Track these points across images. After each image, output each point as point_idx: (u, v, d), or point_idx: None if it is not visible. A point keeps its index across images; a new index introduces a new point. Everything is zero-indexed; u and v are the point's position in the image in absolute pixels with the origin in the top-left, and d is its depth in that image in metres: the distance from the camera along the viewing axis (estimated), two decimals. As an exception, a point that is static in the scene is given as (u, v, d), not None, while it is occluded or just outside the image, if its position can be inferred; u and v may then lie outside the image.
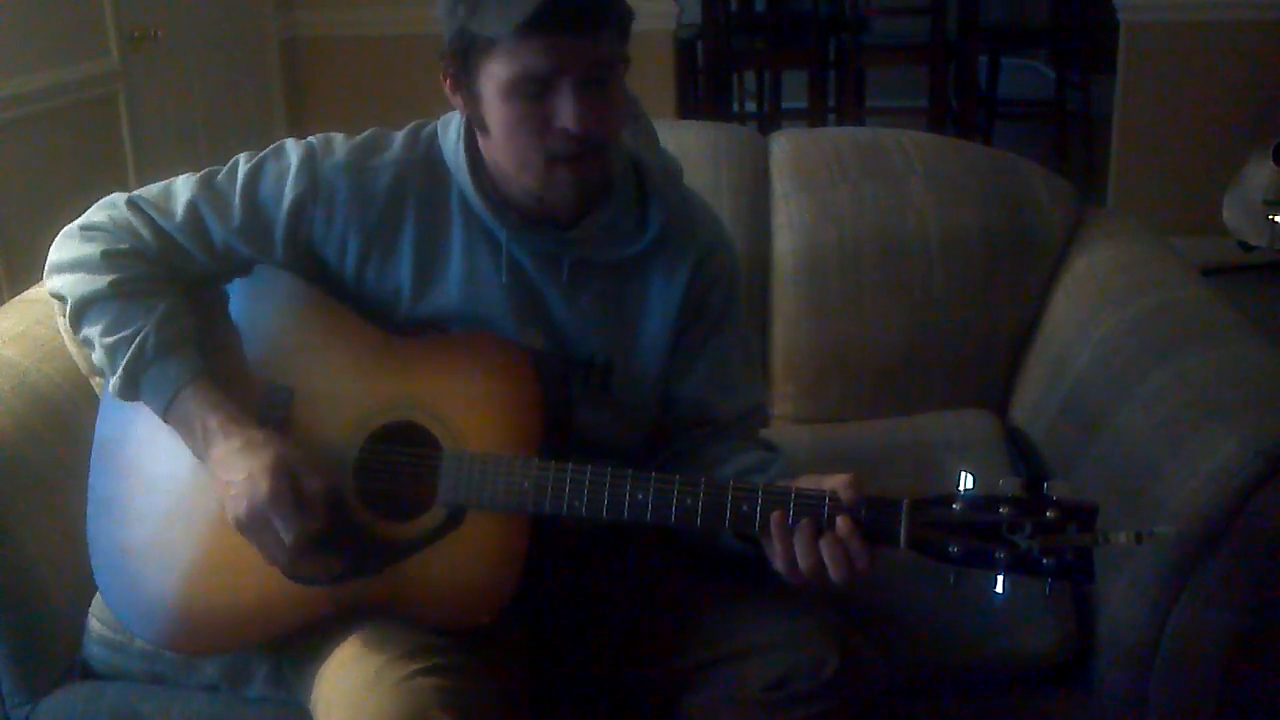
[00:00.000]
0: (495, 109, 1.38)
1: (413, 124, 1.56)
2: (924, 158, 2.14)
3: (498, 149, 1.42)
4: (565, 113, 1.35)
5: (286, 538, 1.36)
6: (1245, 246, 4.20)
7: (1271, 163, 4.00)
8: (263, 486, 1.35)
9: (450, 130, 1.51)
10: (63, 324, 1.75)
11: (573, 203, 1.45)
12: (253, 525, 1.37)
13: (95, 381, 1.78)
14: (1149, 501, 1.55)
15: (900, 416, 2.10)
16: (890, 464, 1.96)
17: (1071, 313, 2.01)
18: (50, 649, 1.66)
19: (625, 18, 1.38)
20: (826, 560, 1.30)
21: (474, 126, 1.44)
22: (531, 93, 1.35)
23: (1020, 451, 1.96)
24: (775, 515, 1.31)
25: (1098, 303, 1.96)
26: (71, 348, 1.79)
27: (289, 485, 1.36)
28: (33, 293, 1.95)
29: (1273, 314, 3.70)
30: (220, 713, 1.62)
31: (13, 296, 2.00)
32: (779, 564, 1.33)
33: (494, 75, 1.36)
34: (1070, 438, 1.84)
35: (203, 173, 1.54)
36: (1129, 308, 1.88)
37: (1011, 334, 2.10)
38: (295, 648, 1.49)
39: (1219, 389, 1.62)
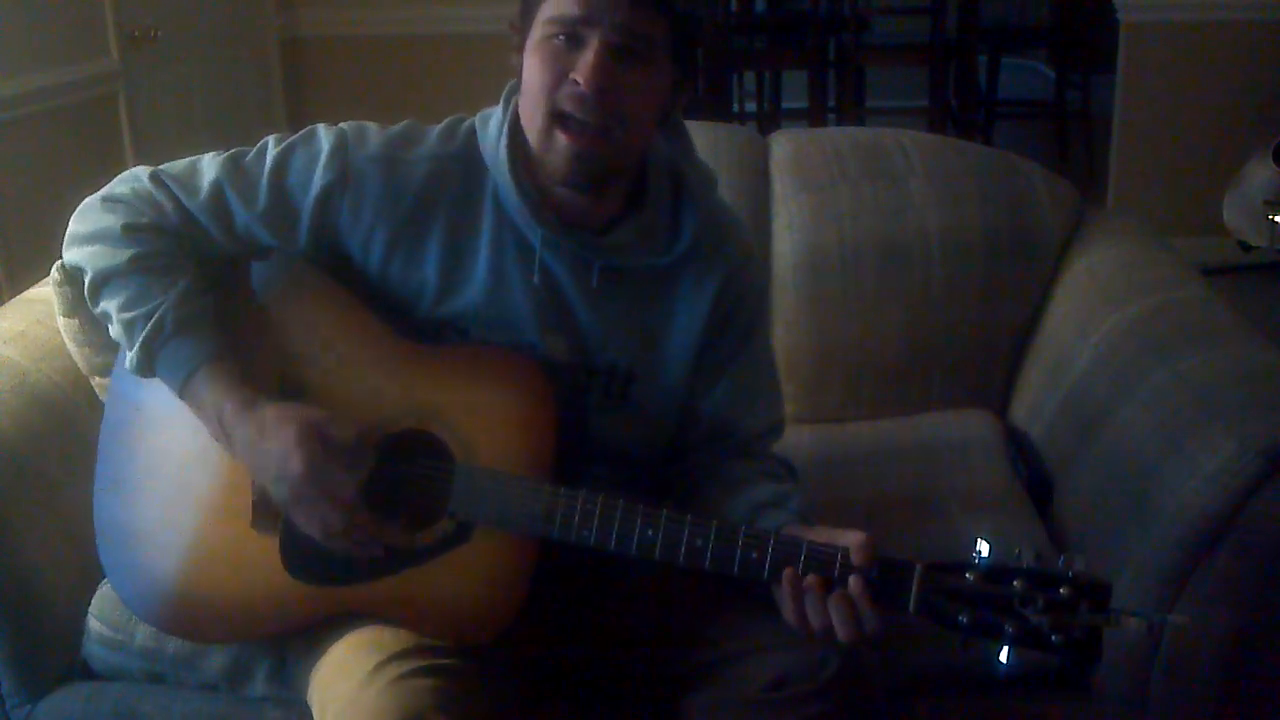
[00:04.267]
0: (530, 53, 1.40)
1: (450, 118, 1.54)
2: (924, 158, 2.14)
3: (523, 97, 1.42)
4: (582, 66, 1.36)
5: (343, 494, 1.35)
6: (1245, 246, 4.20)
7: (1271, 163, 4.00)
8: (298, 460, 1.34)
9: (490, 126, 1.49)
10: (63, 323, 1.75)
11: (567, 175, 1.41)
12: (304, 502, 1.36)
13: (95, 381, 1.77)
14: (1149, 501, 1.55)
15: (900, 416, 2.10)
16: (890, 464, 1.96)
17: (1071, 313, 2.01)
18: (50, 649, 1.66)
19: (682, 24, 1.40)
20: (835, 620, 1.29)
21: (519, 79, 1.44)
22: (561, 39, 1.37)
23: (1020, 451, 1.96)
24: (786, 571, 1.30)
25: (1097, 303, 1.96)
26: (71, 347, 1.78)
27: (322, 449, 1.35)
28: (33, 293, 1.94)
29: (1273, 314, 3.70)
30: (220, 713, 1.62)
31: (13, 296, 2.00)
32: (787, 615, 1.32)
33: (541, 20, 1.39)
34: (1070, 438, 1.84)
35: (231, 152, 1.51)
36: (1129, 308, 1.88)
37: (1011, 334, 2.10)
38: (298, 643, 1.48)
39: (1219, 389, 1.62)
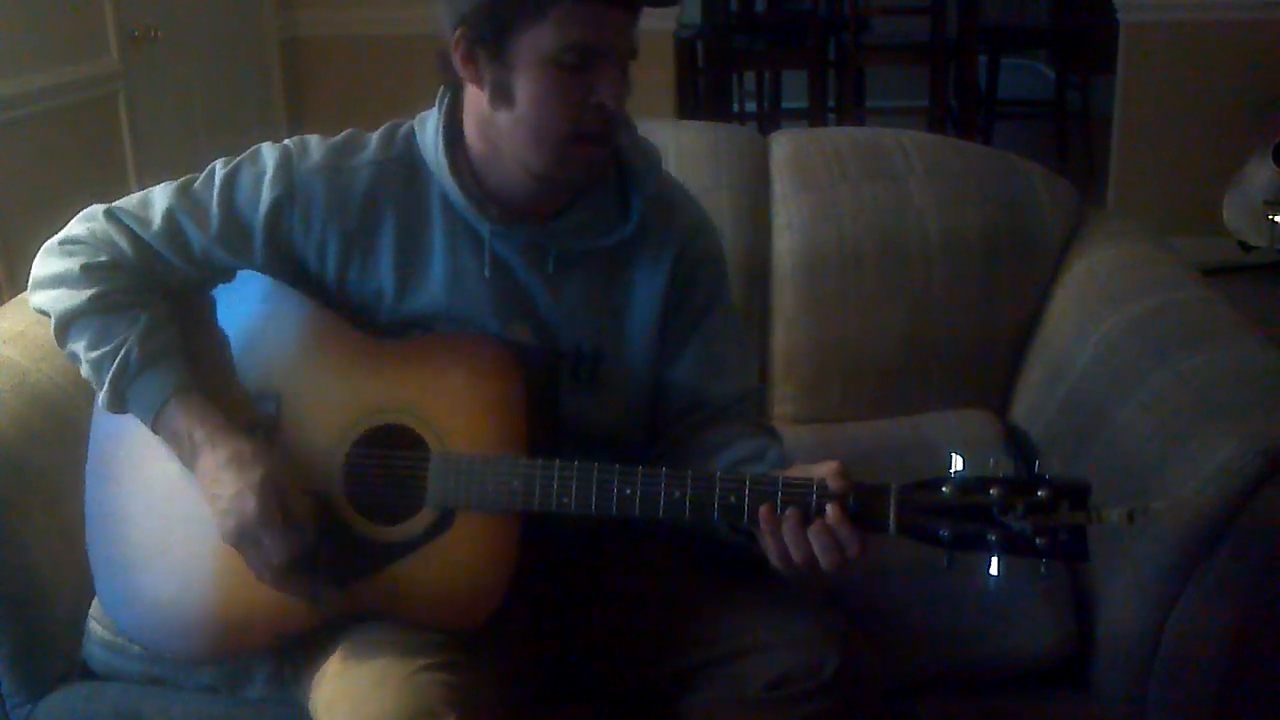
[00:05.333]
0: (530, 78, 1.37)
1: (388, 124, 1.55)
2: (924, 158, 2.14)
3: (519, 122, 1.40)
4: (607, 90, 1.36)
5: (274, 557, 1.36)
6: (1245, 246, 4.21)
7: (1271, 163, 4.00)
8: (251, 504, 1.36)
9: (428, 127, 1.50)
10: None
11: (581, 183, 1.45)
12: (241, 541, 1.37)
13: (95, 381, 1.78)
14: (1149, 502, 1.55)
15: (900, 416, 2.10)
16: (890, 464, 1.95)
17: (1071, 313, 2.01)
18: (50, 649, 1.66)
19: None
20: (816, 550, 1.29)
21: (490, 98, 1.41)
22: (573, 64, 1.35)
23: (1020, 451, 1.96)
24: (763, 509, 1.31)
25: (1098, 303, 1.96)
26: (71, 348, 1.79)
27: (277, 504, 1.36)
28: (33, 293, 1.95)
29: (1273, 314, 3.70)
30: (220, 714, 1.62)
31: (13, 296, 2.00)
32: (771, 557, 1.33)
33: (538, 42, 1.35)
34: (1070, 438, 1.84)
35: (180, 180, 1.53)
36: (1129, 308, 1.88)
37: (1011, 334, 2.10)
38: (294, 650, 1.48)
39: (1219, 389, 1.62)
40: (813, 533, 1.30)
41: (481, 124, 1.45)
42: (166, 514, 1.49)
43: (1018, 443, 1.99)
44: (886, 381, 2.11)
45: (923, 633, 1.62)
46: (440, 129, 1.48)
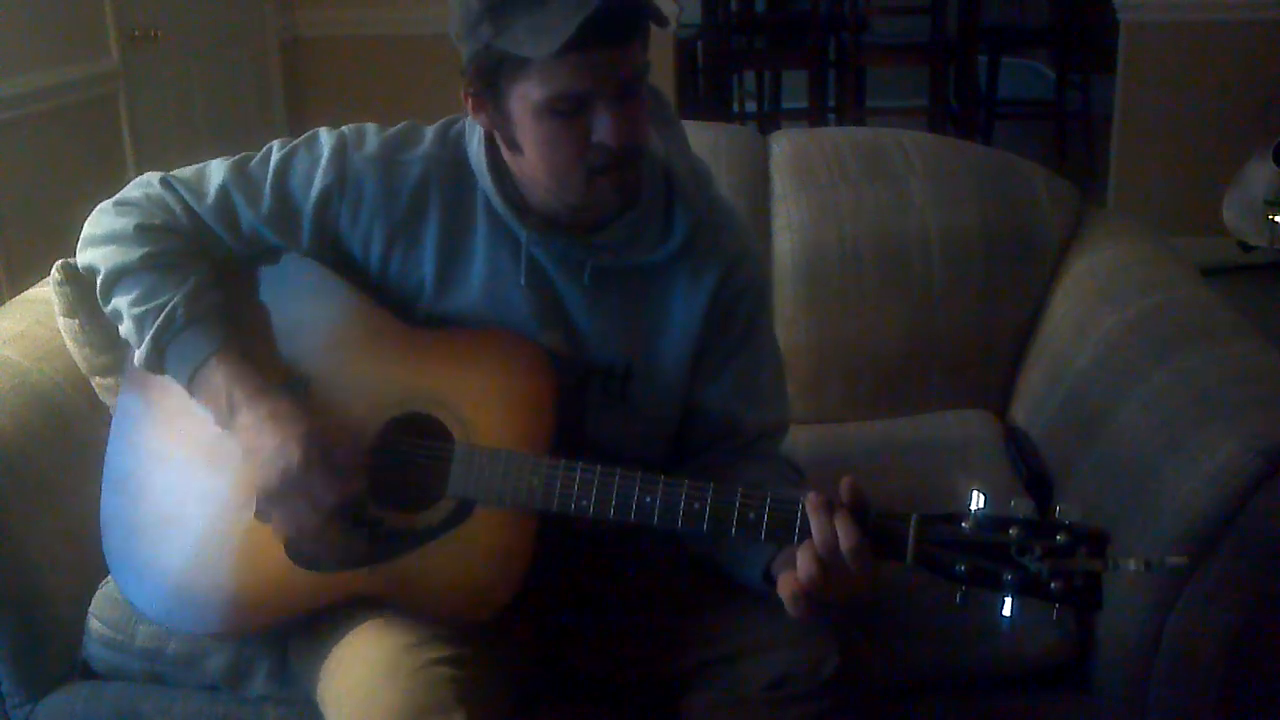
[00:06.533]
0: (528, 128, 1.37)
1: (445, 119, 1.56)
2: (924, 158, 2.15)
3: (532, 166, 1.41)
4: (604, 129, 1.35)
5: (324, 501, 1.37)
6: (1245, 246, 4.20)
7: (1271, 163, 4.00)
8: (295, 453, 1.37)
9: (475, 133, 1.50)
10: (63, 323, 1.75)
11: (614, 210, 1.45)
12: (283, 493, 1.38)
13: (95, 381, 1.78)
14: (1149, 501, 1.55)
15: (900, 416, 2.10)
16: (890, 464, 1.96)
17: (1071, 313, 2.01)
18: (50, 649, 1.66)
19: (649, 23, 1.37)
20: (828, 574, 1.26)
21: (503, 144, 1.43)
22: (567, 110, 1.34)
23: (1020, 451, 1.96)
24: (811, 495, 1.27)
25: (1098, 303, 1.96)
26: (72, 347, 1.78)
27: (321, 452, 1.37)
28: (33, 293, 1.95)
29: (1273, 314, 3.70)
30: (220, 712, 1.62)
31: (13, 296, 2.00)
32: (785, 590, 1.29)
33: (527, 95, 1.34)
34: (1070, 438, 1.84)
35: (238, 157, 1.55)
36: (1129, 308, 1.88)
37: (1011, 334, 2.10)
38: (301, 640, 1.49)
39: (1219, 389, 1.62)
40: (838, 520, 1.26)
41: (509, 158, 1.46)
42: (183, 485, 1.50)
43: (1018, 443, 1.99)
44: (886, 381, 2.11)
45: (923, 633, 1.62)
46: (483, 139, 1.48)
